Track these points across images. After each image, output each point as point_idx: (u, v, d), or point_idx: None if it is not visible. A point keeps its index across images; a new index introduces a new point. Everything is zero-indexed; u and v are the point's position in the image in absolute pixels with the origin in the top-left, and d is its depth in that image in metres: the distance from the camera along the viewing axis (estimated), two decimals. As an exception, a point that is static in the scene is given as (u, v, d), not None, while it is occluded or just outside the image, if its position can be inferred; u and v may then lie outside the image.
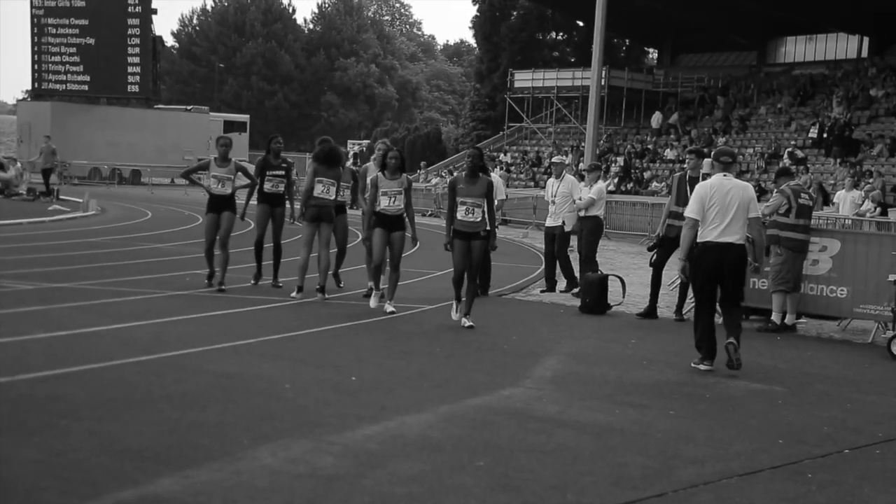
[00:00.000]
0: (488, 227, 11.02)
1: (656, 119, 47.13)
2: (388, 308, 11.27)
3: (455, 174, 11.50)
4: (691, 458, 6.12)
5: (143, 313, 10.24)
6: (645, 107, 49.59)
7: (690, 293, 11.88)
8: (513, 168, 48.44)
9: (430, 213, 35.55)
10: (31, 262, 14.27)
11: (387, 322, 10.77)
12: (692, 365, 9.20)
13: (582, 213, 14.31)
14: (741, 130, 43.12)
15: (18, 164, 36.21)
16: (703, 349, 9.20)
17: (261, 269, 13.11)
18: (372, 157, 13.07)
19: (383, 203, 11.33)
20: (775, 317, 11.88)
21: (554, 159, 16.26)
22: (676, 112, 47.13)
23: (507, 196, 35.27)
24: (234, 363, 8.05)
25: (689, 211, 9.25)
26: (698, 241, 9.17)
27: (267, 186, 13.07)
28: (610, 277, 13.26)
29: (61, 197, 32.04)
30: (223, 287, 12.31)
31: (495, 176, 14.39)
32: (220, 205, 12.58)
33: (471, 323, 10.65)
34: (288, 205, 13.26)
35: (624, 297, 13.39)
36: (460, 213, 10.83)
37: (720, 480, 5.70)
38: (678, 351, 10.01)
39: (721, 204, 9.03)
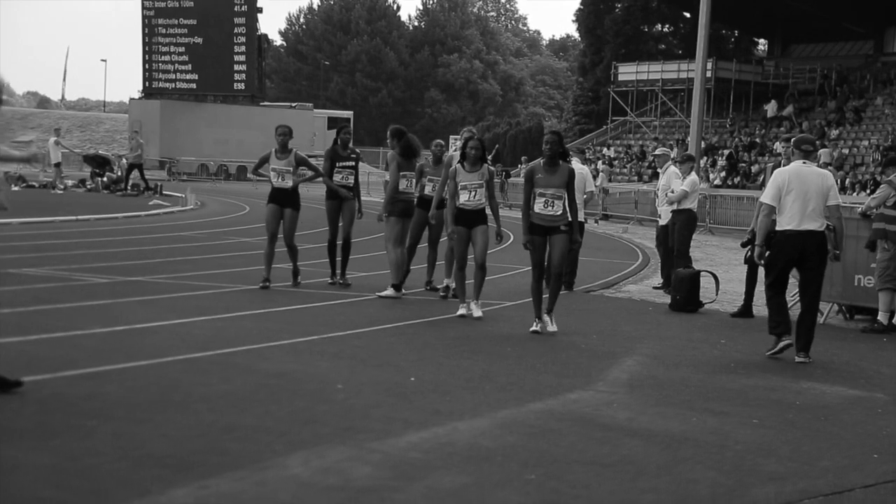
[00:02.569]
0: (569, 220, 9.84)
1: (772, 108, 45.58)
2: (476, 312, 10.34)
3: (532, 163, 10.33)
4: (771, 474, 5.48)
5: (208, 308, 9.96)
6: (754, 99, 48.05)
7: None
8: (616, 162, 47.52)
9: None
10: (113, 256, 14.20)
11: (459, 320, 10.25)
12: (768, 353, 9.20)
13: (675, 207, 13.60)
14: (856, 122, 41.41)
15: (123, 161, 36.76)
16: (781, 326, 9.14)
17: (335, 269, 12.49)
18: (456, 148, 12.31)
19: (462, 198, 10.42)
20: (882, 316, 11.05)
21: (657, 151, 15.64)
22: (791, 104, 45.44)
23: (598, 188, 34.79)
24: (290, 361, 7.67)
25: (766, 197, 9.20)
26: (777, 229, 9.08)
27: (336, 179, 12.30)
28: (703, 274, 12.56)
29: (164, 192, 32.46)
30: (299, 281, 12.02)
31: (581, 165, 13.64)
32: (282, 199, 12.00)
33: (555, 327, 9.73)
34: (357, 199, 12.50)
35: (717, 294, 12.68)
36: (538, 206, 9.72)
37: (801, 501, 5.07)
38: (771, 353, 9.32)
39: (799, 191, 8.94)
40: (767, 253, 9.12)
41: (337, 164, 12.34)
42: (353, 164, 12.47)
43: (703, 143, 37.82)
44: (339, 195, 12.29)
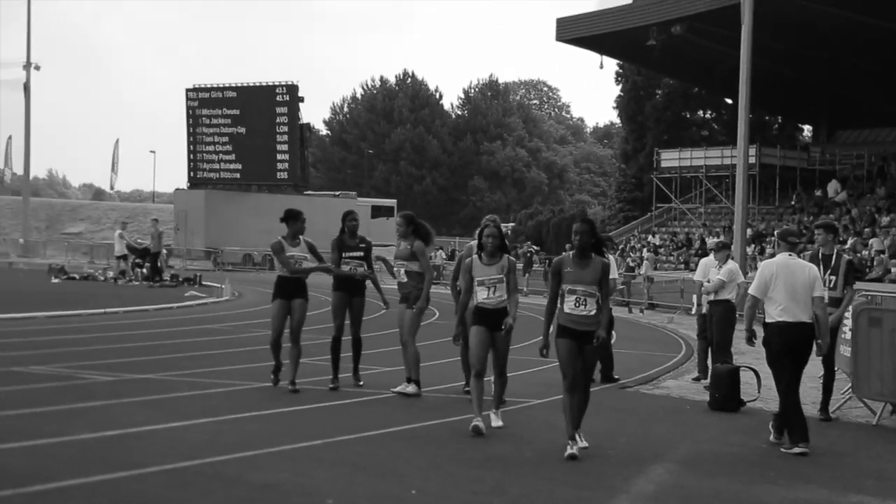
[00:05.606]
0: (602, 324, 8.46)
1: (833, 188, 44.86)
2: (496, 423, 9.32)
3: (561, 255, 9.20)
4: None
5: (213, 408, 9.41)
6: (801, 185, 47.35)
7: (838, 388, 10.79)
8: (661, 250, 46.81)
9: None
10: (128, 352, 13.75)
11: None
12: (782, 450, 8.86)
13: (711, 297, 12.96)
14: (907, 209, 40.45)
15: (164, 252, 36.66)
16: (796, 431, 8.91)
17: (338, 371, 11.34)
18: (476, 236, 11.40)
19: (480, 295, 9.22)
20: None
21: (708, 243, 15.26)
22: (845, 191, 44.67)
23: (643, 276, 34.01)
24: (284, 470, 7.06)
25: (753, 289, 9.37)
26: (768, 320, 9.19)
27: (343, 270, 11.51)
28: (742, 369, 11.82)
29: (203, 283, 32.27)
30: (296, 388, 10.82)
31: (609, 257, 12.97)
32: (291, 290, 11.16)
33: (584, 443, 8.45)
34: (378, 290, 11.71)
35: (759, 391, 11.90)
36: (568, 305, 8.38)
37: None
38: (818, 458, 8.55)
39: (788, 283, 9.11)
40: (755, 338, 9.23)
41: (344, 255, 11.48)
42: (363, 254, 11.56)
43: (749, 230, 37.09)
44: (346, 288, 11.42)
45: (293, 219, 11.33)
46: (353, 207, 44.54)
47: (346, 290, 11.46)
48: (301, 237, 11.33)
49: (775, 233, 10.73)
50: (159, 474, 6.75)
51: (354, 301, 11.49)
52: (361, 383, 11.47)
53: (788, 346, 9.04)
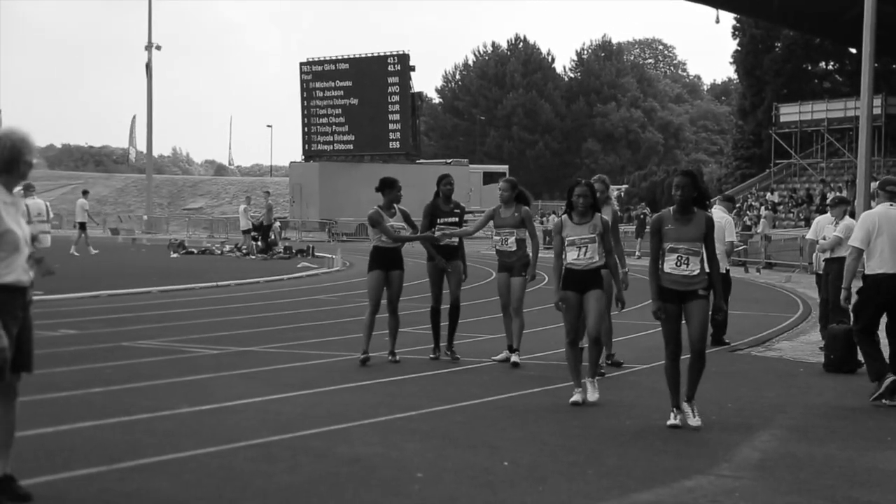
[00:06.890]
0: (708, 282, 7.88)
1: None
2: (592, 395, 8.66)
3: (661, 212, 8.33)
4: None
5: (311, 380, 9.39)
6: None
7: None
8: (780, 207, 45.46)
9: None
10: (234, 324, 13.89)
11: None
12: (884, 402, 8.72)
13: (827, 255, 12.41)
14: None
15: (277, 224, 37.14)
16: (880, 366, 8.92)
17: (438, 341, 11.02)
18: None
19: (570, 256, 8.63)
20: None
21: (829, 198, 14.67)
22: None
23: (760, 235, 33.02)
24: (374, 443, 6.96)
25: (854, 240, 9.16)
26: (868, 273, 8.96)
27: (436, 246, 10.86)
28: (860, 329, 11.29)
29: (316, 254, 32.65)
30: (396, 358, 10.65)
31: (722, 215, 12.58)
32: (388, 261, 10.83)
33: (698, 420, 7.79)
34: (462, 261, 11.23)
35: (879, 352, 11.34)
36: (669, 265, 7.85)
37: None
38: (938, 423, 8.09)
39: (890, 234, 8.84)
40: (855, 297, 9.05)
41: (438, 221, 10.99)
42: (458, 219, 11.17)
43: (873, 183, 35.62)
44: (441, 255, 10.99)
45: (389, 187, 10.99)
46: (465, 175, 43.50)
47: (442, 257, 11.03)
48: (396, 206, 10.95)
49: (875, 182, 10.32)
50: (248, 449, 6.71)
51: (451, 266, 11.05)
52: (458, 357, 10.96)
53: (887, 298, 8.89)
